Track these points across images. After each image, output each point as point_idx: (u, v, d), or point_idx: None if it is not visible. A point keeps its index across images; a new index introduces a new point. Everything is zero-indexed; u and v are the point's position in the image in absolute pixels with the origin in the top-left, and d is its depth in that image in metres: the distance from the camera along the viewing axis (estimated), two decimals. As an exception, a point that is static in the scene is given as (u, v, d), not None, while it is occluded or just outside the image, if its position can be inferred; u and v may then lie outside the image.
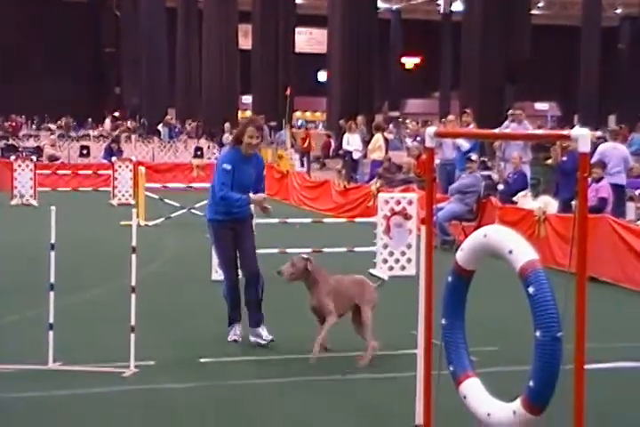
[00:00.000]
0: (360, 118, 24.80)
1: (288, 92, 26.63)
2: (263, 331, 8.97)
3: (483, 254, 5.36)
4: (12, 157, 26.32)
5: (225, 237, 9.00)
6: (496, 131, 13.06)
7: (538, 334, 4.76)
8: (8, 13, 48.86)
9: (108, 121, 41.25)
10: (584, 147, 4.53)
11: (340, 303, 8.38)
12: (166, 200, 19.44)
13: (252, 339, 8.95)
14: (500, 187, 16.96)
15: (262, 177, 9.20)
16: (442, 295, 5.55)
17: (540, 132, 13.85)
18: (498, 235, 5.26)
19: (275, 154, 26.56)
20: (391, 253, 13.26)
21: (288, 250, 13.20)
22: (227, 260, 9.13)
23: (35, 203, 22.89)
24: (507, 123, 18.18)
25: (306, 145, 29.32)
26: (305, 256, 8.48)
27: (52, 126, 39.37)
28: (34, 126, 39.47)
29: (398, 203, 13.45)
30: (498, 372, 5.70)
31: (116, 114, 46.51)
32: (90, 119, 44.17)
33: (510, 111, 18.32)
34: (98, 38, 52.81)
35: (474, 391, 5.32)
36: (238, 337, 9.01)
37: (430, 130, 5.88)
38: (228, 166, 8.70)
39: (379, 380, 7.94)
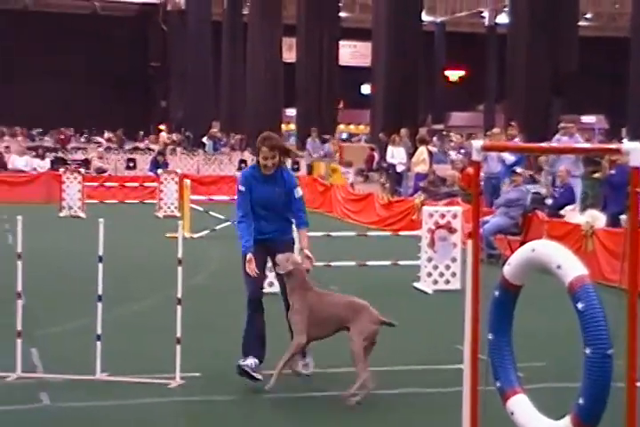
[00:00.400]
0: (403, 131, 24.75)
1: (341, 105, 26.60)
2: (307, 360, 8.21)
3: (530, 269, 5.30)
4: (61, 170, 26.61)
5: (256, 260, 7.87)
6: (545, 144, 12.99)
7: (588, 350, 4.70)
8: (49, 32, 49.45)
9: (164, 134, 41.36)
10: (636, 161, 4.43)
11: (318, 324, 7.53)
12: (211, 212, 19.47)
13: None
14: (549, 201, 16.80)
15: (296, 198, 8.05)
16: (488, 310, 5.51)
17: (590, 145, 13.73)
18: (546, 249, 5.20)
19: (328, 167, 26.44)
20: (435, 267, 13.18)
21: (332, 263, 13.24)
22: (252, 284, 8.04)
23: (82, 215, 23.05)
24: (558, 136, 18.01)
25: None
26: (299, 261, 7.79)
27: (100, 139, 39.71)
28: (82, 139, 39.72)
29: (443, 216, 13.39)
30: (546, 388, 5.65)
31: (162, 127, 46.84)
32: (141, 132, 44.41)
33: (561, 125, 18.13)
34: (144, 52, 53.22)
35: (521, 408, 5.25)
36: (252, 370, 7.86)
37: (477, 143, 5.81)
38: (242, 188, 8.03)
39: (422, 395, 7.89)
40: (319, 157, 27.56)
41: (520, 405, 5.27)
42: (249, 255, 7.82)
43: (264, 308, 8.12)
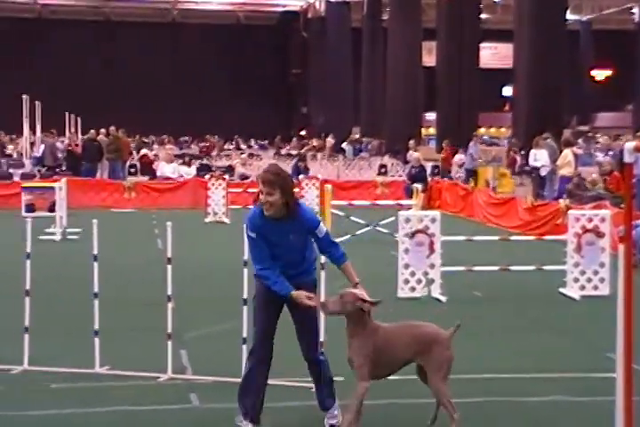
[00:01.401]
0: (546, 134, 24.35)
1: (508, 107, 26.04)
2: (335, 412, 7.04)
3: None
4: (207, 176, 27.15)
5: (266, 305, 6.92)
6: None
7: None
8: (194, 43, 50.48)
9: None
10: None
11: (383, 365, 6.65)
12: (352, 217, 19.51)
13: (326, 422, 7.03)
14: None
15: (321, 238, 6.87)
16: (640, 316, 5.37)
17: None
18: None
19: (496, 171, 25.93)
20: (583, 273, 12.91)
21: (474, 268, 13.12)
22: (260, 333, 6.94)
23: (227, 220, 23.45)
24: None
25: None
26: (359, 294, 6.70)
27: (243, 146, 40.35)
28: (229, 146, 40.38)
29: (590, 220, 13.12)
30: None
31: (303, 133, 47.29)
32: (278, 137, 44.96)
33: None
34: (285, 60, 53.89)
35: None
36: None
37: (630, 144, 5.66)
38: (252, 234, 6.78)
39: (572, 403, 7.71)
40: (485, 162, 26.87)
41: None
42: (296, 293, 6.68)
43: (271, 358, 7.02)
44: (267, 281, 6.75)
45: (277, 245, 6.74)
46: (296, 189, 8.14)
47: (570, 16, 32.91)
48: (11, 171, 29.23)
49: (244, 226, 6.86)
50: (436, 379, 6.53)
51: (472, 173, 27.06)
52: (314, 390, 7.06)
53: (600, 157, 21.93)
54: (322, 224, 6.89)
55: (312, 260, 7.06)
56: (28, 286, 8.08)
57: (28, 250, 6.94)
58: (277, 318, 6.95)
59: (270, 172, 6.75)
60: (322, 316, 7.25)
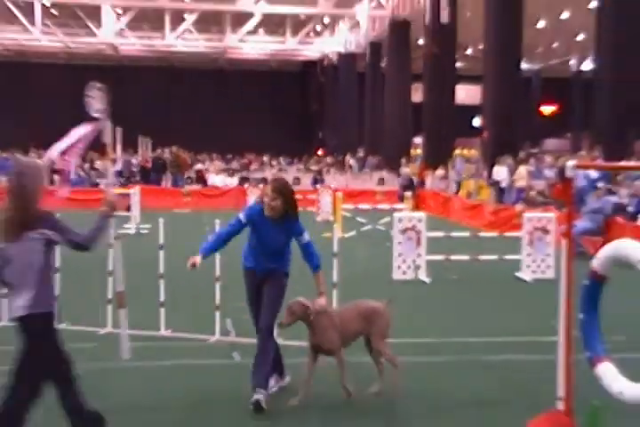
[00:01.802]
0: (505, 156, 24.26)
1: (485, 134, 25.86)
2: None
3: (615, 262, 5.09)
4: (245, 185, 27.28)
5: (250, 291, 6.62)
6: (623, 163, 12.63)
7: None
8: (238, 83, 50.68)
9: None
10: None
11: (345, 338, 6.44)
12: (357, 218, 19.51)
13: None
14: (630, 209, 16.19)
15: (303, 244, 6.43)
16: (578, 295, 5.33)
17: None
18: (630, 247, 4.99)
19: (476, 184, 25.66)
20: (534, 261, 12.96)
21: (452, 257, 13.11)
22: (250, 309, 6.65)
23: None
24: None
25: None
26: (304, 302, 6.30)
27: (274, 162, 40.32)
28: (263, 161, 40.32)
29: (539, 221, 13.19)
30: (626, 358, 5.42)
31: (320, 153, 47.30)
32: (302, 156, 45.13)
33: None
34: (307, 97, 54.03)
35: (607, 372, 5.05)
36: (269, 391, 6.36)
37: (570, 163, 5.67)
38: (243, 219, 6.50)
39: (524, 360, 7.73)
40: (468, 176, 26.59)
41: (606, 370, 5.07)
42: (193, 258, 6.34)
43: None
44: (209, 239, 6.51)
45: (264, 236, 6.40)
46: (299, 196, 8.03)
47: (524, 65, 32.77)
48: (97, 180, 29.33)
49: (241, 213, 6.55)
50: (380, 342, 6.47)
51: (458, 186, 27.02)
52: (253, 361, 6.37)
53: (546, 172, 21.78)
54: (306, 234, 6.43)
55: (288, 257, 6.59)
56: (110, 268, 8.08)
57: (111, 241, 6.97)
58: (258, 299, 6.52)
59: (278, 182, 6.47)
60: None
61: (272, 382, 6.54)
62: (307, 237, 6.43)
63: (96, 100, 6.10)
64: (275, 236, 6.39)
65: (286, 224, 6.38)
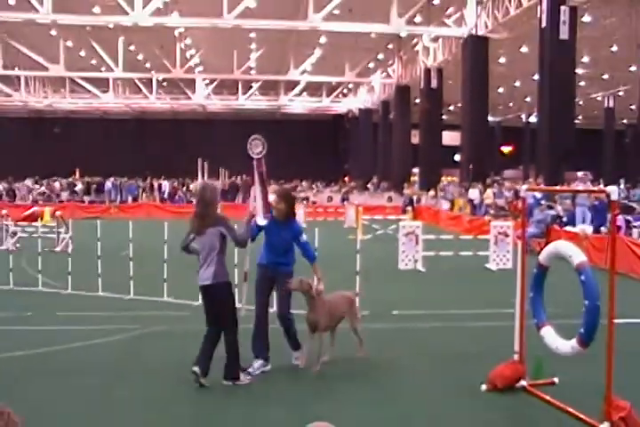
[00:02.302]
0: (475, 183, 24.21)
1: (470, 167, 25.37)
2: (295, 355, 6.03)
3: (554, 257, 5.19)
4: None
5: (261, 281, 5.90)
6: (558, 187, 12.58)
7: (586, 302, 4.59)
8: (290, 130, 50.92)
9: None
10: (614, 196, 4.47)
11: (332, 320, 5.98)
12: (373, 225, 19.51)
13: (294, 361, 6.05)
14: (564, 219, 16.08)
15: (301, 243, 5.84)
16: (529, 280, 5.41)
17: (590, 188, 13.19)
18: (563, 246, 5.11)
19: (464, 202, 24.25)
20: (498, 256, 12.88)
21: (440, 253, 12.95)
22: (258, 303, 5.91)
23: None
24: (576, 182, 17.07)
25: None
26: (310, 281, 5.81)
27: (313, 186, 40.34)
28: (306, 185, 40.34)
29: (501, 227, 13.11)
30: (561, 323, 5.49)
31: (346, 179, 47.24)
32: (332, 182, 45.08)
33: (580, 175, 17.18)
34: (337, 140, 54.06)
35: (548, 334, 5.13)
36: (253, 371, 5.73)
37: (524, 187, 5.88)
38: (261, 222, 5.91)
39: (493, 326, 7.63)
40: (458, 196, 26.07)
41: (548, 332, 5.15)
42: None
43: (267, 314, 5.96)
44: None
45: (272, 236, 5.87)
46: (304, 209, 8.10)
47: (490, 118, 32.70)
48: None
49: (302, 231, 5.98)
50: (356, 322, 6.19)
51: (451, 203, 26.53)
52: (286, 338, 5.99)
53: (506, 193, 21.65)
54: (304, 235, 5.89)
55: (291, 257, 5.95)
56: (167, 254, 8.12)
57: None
58: (270, 293, 5.95)
59: (282, 191, 6.19)
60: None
61: (257, 364, 5.80)
62: (304, 237, 5.90)
63: (255, 146, 6.27)
64: (279, 238, 5.83)
65: (289, 225, 5.85)
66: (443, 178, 35.20)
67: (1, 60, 33.25)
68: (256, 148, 6.19)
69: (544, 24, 19.45)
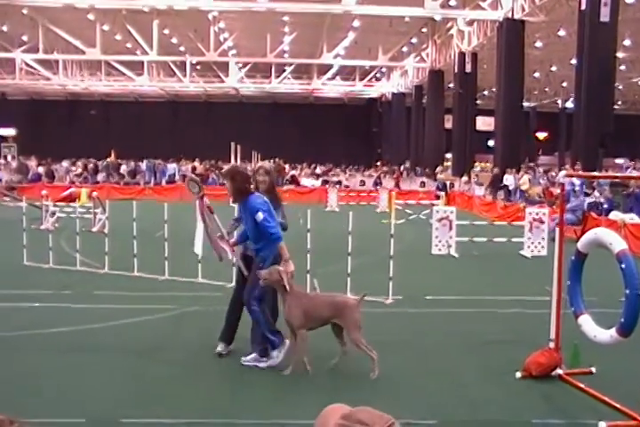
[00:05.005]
0: (509, 169, 23.78)
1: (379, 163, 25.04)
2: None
3: (594, 244, 5.08)
4: (327, 185, 27.35)
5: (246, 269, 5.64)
6: (597, 173, 12.31)
7: (627, 291, 4.48)
8: (322, 114, 50.63)
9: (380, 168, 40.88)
10: None
11: (312, 319, 5.18)
12: (406, 210, 19.42)
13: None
14: (605, 206, 15.73)
15: (258, 223, 5.29)
16: (567, 267, 5.31)
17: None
18: (604, 233, 4.99)
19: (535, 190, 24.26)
20: (532, 243, 12.73)
21: (474, 239, 12.90)
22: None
23: (337, 209, 23.49)
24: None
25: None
26: (281, 269, 5.17)
27: (347, 170, 40.27)
28: (338, 169, 40.24)
29: (537, 214, 12.93)
30: (600, 312, 5.37)
31: (378, 163, 46.97)
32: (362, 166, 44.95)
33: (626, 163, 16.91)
34: (369, 124, 53.69)
35: (586, 322, 5.06)
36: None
37: (562, 173, 5.72)
38: (231, 257, 5.76)
39: (526, 313, 7.53)
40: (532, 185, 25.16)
41: (586, 321, 5.07)
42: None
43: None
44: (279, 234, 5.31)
45: (244, 222, 5.53)
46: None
47: (525, 103, 31.99)
48: (223, 181, 29.83)
49: (262, 208, 5.29)
50: (354, 333, 5.14)
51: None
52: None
53: (541, 180, 21.28)
54: (259, 213, 5.25)
55: (267, 243, 5.38)
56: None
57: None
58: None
59: (228, 169, 5.88)
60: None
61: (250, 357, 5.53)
62: (261, 215, 5.25)
63: (192, 187, 6.11)
64: (247, 220, 5.41)
65: (245, 205, 5.37)
66: (476, 164, 34.71)
67: (41, 45, 33.72)
68: (193, 188, 5.94)
69: (583, 6, 18.82)
